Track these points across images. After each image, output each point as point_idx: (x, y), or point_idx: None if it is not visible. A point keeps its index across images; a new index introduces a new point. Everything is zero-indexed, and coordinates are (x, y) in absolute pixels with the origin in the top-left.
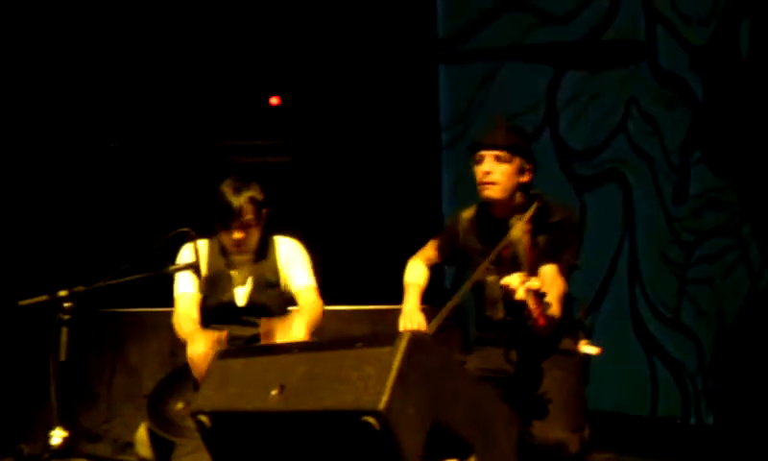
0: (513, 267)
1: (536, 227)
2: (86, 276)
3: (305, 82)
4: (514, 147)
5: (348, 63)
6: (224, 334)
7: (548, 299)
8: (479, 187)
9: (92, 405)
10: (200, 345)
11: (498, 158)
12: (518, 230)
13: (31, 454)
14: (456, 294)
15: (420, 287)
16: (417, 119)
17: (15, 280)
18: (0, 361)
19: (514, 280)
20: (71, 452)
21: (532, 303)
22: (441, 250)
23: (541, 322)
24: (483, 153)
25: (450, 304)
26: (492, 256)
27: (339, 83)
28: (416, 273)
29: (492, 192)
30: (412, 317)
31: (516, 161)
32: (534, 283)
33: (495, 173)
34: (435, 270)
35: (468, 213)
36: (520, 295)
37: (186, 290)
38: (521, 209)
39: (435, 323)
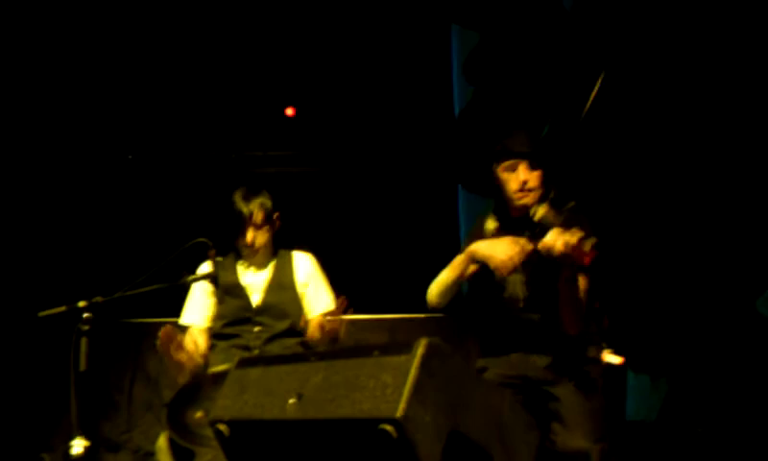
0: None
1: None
2: (105, 286)
3: (322, 93)
4: (545, 153)
5: (364, 74)
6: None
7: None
8: (514, 195)
9: (112, 415)
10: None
11: (532, 166)
12: (542, 209)
13: None
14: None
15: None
16: (433, 129)
17: (35, 292)
18: (21, 372)
19: (551, 237)
20: None
21: (573, 250)
22: None
23: (587, 260)
24: (517, 161)
25: None
26: (524, 257)
27: (354, 93)
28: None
29: (529, 199)
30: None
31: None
32: (571, 236)
33: (531, 180)
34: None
35: (491, 224)
36: (559, 247)
37: (193, 321)
38: (538, 201)
39: None
